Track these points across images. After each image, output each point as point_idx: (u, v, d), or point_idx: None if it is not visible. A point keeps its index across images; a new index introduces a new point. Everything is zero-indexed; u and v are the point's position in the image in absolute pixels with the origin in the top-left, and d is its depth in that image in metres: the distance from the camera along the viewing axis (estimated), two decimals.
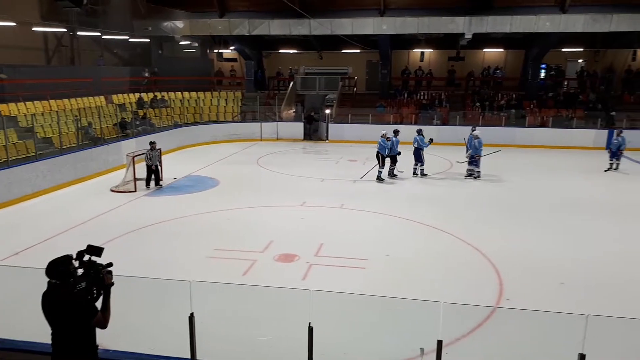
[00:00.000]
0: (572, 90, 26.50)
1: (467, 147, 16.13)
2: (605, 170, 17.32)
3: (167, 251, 9.51)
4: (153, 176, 14.43)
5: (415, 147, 15.99)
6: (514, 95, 25.57)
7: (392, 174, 15.96)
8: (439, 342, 4.72)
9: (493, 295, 7.60)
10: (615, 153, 17.36)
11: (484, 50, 27.77)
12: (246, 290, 6.83)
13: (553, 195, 14.13)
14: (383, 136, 15.45)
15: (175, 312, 5.30)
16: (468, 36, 21.81)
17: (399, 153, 15.73)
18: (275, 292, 6.01)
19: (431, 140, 16.28)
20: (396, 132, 15.95)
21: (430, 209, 12.38)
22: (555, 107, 24.40)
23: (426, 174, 16.19)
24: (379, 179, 15.47)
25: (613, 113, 22.22)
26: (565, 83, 27.79)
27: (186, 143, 21.57)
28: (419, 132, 16.20)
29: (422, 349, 5.27)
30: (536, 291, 7.78)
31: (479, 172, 15.89)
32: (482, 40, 25.11)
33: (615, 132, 17.95)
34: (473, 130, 16.14)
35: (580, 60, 28.42)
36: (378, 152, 15.47)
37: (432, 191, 14.56)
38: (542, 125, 23.01)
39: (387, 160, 15.68)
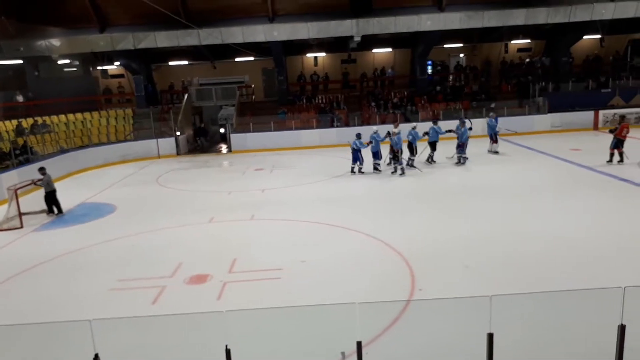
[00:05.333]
0: (457, 84, 28.44)
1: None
2: (489, 151, 19.40)
3: (64, 290, 8.66)
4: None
5: (353, 148, 16.75)
6: (405, 93, 26.89)
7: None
8: (359, 343, 4.74)
9: (407, 288, 7.82)
10: (492, 135, 19.25)
11: (374, 51, 28.88)
12: (155, 320, 6.38)
13: (452, 183, 15.00)
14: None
15: (77, 357, 4.83)
16: (357, 38, 22.59)
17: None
18: (187, 318, 5.69)
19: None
20: (434, 122, 18.26)
21: (340, 210, 12.53)
22: (444, 100, 26.06)
23: (363, 172, 16.88)
24: (412, 166, 16.96)
25: (493, 105, 24.14)
26: (450, 77, 29.73)
27: (75, 169, 19.98)
28: (358, 136, 16.96)
29: (342, 353, 5.26)
30: (445, 277, 8.14)
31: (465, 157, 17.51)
32: (371, 41, 26.16)
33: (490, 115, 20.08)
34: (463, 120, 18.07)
35: (461, 55, 30.61)
36: (409, 143, 17.02)
37: (341, 192, 14.77)
38: (435, 118, 24.38)
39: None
